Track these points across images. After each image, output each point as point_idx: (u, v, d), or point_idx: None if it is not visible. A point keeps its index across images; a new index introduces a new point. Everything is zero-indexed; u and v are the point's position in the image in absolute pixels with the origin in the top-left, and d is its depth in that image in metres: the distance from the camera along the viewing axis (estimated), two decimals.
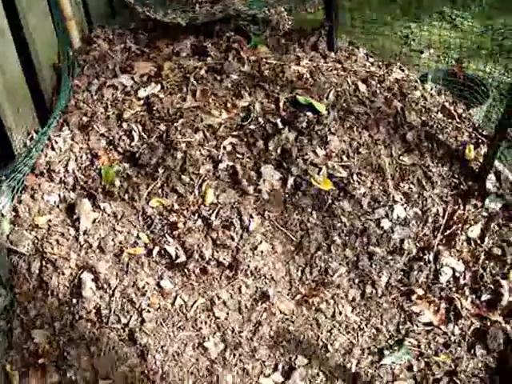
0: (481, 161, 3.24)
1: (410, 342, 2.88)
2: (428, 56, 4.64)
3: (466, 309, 2.92)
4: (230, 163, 3.11)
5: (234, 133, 3.21)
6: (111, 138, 3.24)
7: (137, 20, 3.86)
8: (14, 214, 3.02)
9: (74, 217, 3.02)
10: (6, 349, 2.79)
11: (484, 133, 3.40)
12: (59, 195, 3.11)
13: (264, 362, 2.83)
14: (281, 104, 3.27)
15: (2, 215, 2.95)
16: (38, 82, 3.33)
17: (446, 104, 3.54)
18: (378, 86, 3.51)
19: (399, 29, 5.05)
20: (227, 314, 2.90)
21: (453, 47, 4.37)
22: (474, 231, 3.10)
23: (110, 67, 3.54)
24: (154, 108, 3.27)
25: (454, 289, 2.97)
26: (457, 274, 3.00)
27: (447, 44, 4.35)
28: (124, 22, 3.90)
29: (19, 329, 2.83)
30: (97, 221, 3.02)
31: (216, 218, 2.97)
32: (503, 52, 4.36)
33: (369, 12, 4.75)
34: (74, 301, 2.85)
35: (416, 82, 3.64)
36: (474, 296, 2.96)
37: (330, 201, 3.06)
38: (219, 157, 3.12)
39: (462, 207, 3.14)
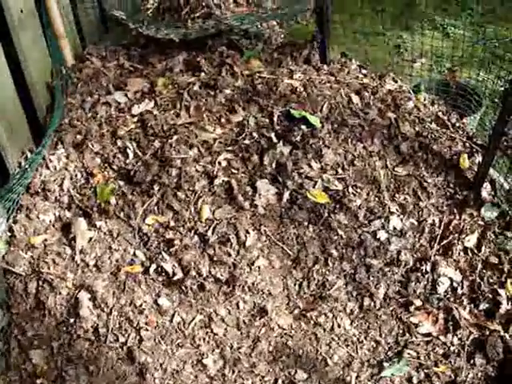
0: (475, 170, 3.24)
1: (409, 353, 2.86)
2: (420, 65, 4.64)
3: (465, 318, 2.91)
4: (226, 179, 3.10)
5: (229, 148, 3.21)
6: (106, 155, 3.23)
7: (129, 36, 3.87)
8: (9, 234, 3.00)
9: (70, 236, 3.00)
10: (3, 370, 2.77)
11: (478, 142, 3.40)
12: (55, 214, 3.09)
13: (263, 377, 2.82)
14: (275, 118, 3.27)
15: None
16: (31, 100, 3.34)
17: (440, 114, 3.55)
18: (372, 97, 3.51)
19: (391, 38, 5.07)
20: (225, 330, 2.89)
21: (445, 56, 4.38)
22: (471, 240, 3.09)
23: (104, 84, 3.54)
24: (148, 125, 3.27)
25: (452, 299, 2.96)
26: (454, 284, 2.99)
27: (439, 53, 4.36)
28: (116, 39, 3.91)
29: (17, 349, 2.81)
30: (93, 239, 3.01)
31: (212, 234, 2.97)
32: (495, 60, 4.37)
33: (360, 23, 4.76)
34: (72, 320, 2.83)
35: (409, 92, 3.64)
36: (472, 305, 2.95)
37: (326, 214, 3.06)
38: (214, 172, 3.11)
39: (457, 217, 3.14)
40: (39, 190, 3.12)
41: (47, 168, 3.18)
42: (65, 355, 2.79)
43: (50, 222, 3.07)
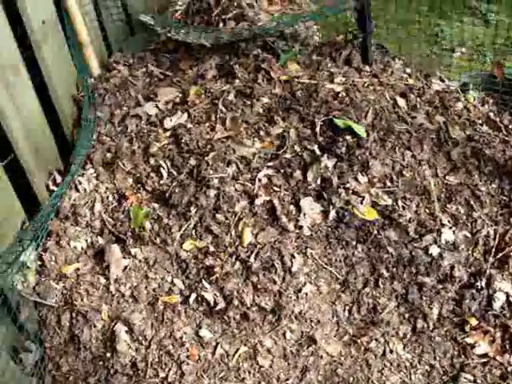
0: None
1: (465, 377, 2.70)
2: (460, 55, 4.41)
3: None
4: (267, 198, 2.92)
5: (270, 163, 3.03)
6: (138, 175, 3.07)
7: (157, 41, 3.68)
8: (39, 263, 2.87)
9: (104, 264, 2.86)
10: None
11: None
12: (86, 240, 2.95)
13: None
14: (317, 128, 3.08)
15: (27, 266, 2.78)
16: (57, 116, 3.15)
17: (491, 115, 3.36)
18: (418, 99, 3.32)
19: (428, 27, 4.81)
20: (272, 361, 2.73)
21: (487, 45, 4.14)
22: None
23: (133, 95, 3.37)
24: (182, 140, 3.10)
25: (508, 315, 2.79)
26: (511, 299, 2.81)
27: (480, 41, 4.13)
28: (143, 44, 3.71)
29: None
30: (128, 268, 2.86)
31: (255, 259, 2.80)
32: None
33: (394, 12, 4.52)
34: (108, 354, 2.71)
35: (457, 92, 3.42)
36: None
37: (375, 231, 2.88)
38: (255, 191, 2.93)
39: None
40: (69, 215, 2.97)
41: (76, 190, 3.02)
42: None
43: (82, 249, 2.93)
